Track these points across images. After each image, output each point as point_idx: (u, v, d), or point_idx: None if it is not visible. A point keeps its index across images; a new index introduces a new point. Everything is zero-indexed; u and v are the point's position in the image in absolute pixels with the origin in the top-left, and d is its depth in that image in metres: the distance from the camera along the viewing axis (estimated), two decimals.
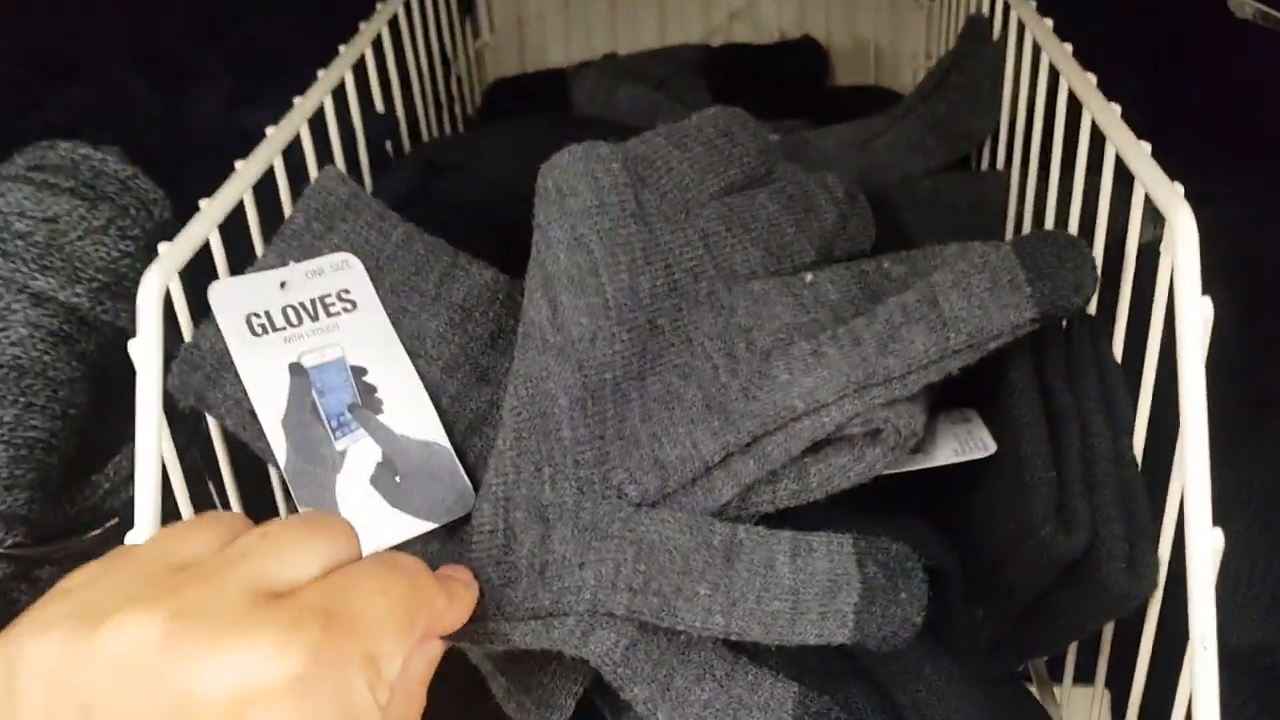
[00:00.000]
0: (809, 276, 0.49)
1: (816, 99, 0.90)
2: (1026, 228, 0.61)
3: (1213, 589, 0.37)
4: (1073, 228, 0.52)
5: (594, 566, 0.40)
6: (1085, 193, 0.52)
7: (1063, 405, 0.44)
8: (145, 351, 0.40)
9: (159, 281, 0.40)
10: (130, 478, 0.51)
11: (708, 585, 0.39)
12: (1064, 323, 0.47)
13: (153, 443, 0.40)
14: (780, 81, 0.89)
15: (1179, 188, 0.39)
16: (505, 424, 0.42)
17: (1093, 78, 0.49)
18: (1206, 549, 0.37)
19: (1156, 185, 0.40)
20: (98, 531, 0.49)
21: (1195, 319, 0.37)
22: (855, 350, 0.44)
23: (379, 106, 0.68)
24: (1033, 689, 0.54)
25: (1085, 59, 0.53)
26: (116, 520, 0.51)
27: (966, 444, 0.48)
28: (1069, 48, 0.53)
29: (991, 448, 0.46)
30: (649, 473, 0.43)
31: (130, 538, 0.39)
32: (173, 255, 0.42)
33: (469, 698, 0.43)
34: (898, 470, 0.47)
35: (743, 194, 0.51)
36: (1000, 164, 0.69)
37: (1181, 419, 0.38)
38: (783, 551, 0.40)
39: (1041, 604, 0.44)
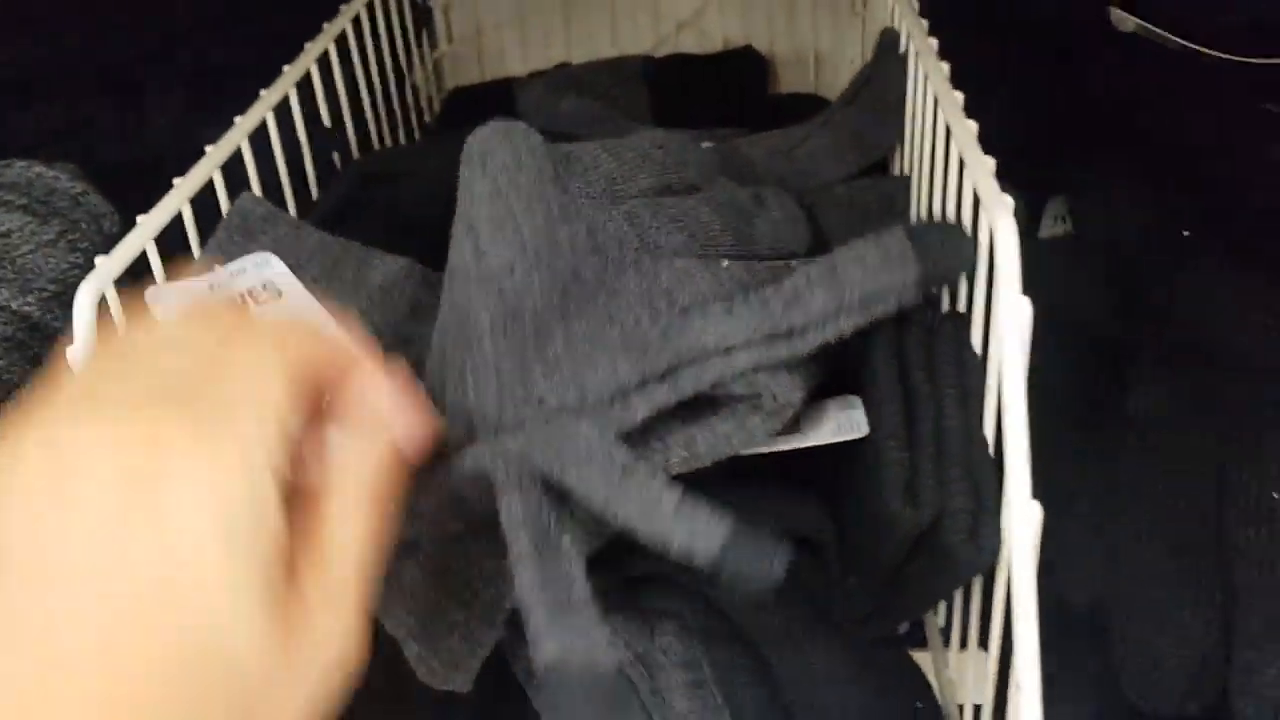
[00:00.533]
0: (726, 263, 0.53)
1: (755, 107, 0.94)
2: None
3: (1030, 554, 0.41)
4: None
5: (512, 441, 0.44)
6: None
7: (920, 392, 0.49)
8: (80, 358, 0.44)
9: (93, 291, 0.45)
10: None
11: (602, 481, 0.42)
12: (929, 322, 0.51)
13: None
14: (721, 91, 0.93)
15: (1009, 200, 0.43)
16: (432, 346, 0.47)
17: (960, 96, 0.53)
18: (1026, 519, 0.41)
19: (987, 195, 0.44)
20: None
21: (1012, 317, 0.41)
22: (763, 309, 0.48)
23: (326, 121, 0.72)
24: (929, 653, 0.58)
25: (975, 71, 0.57)
26: None
27: (844, 426, 0.52)
28: (946, 67, 0.57)
29: (865, 430, 0.51)
30: (568, 389, 0.47)
31: None
32: (107, 266, 0.46)
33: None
34: (779, 447, 0.51)
35: (673, 195, 0.55)
36: (909, 169, 0.73)
37: (1004, 403, 0.42)
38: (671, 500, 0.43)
39: (901, 573, 0.49)
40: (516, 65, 1.04)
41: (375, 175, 0.63)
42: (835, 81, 1.00)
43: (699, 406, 0.51)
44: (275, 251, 0.49)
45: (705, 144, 0.82)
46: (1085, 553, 0.51)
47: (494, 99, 0.96)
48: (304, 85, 0.68)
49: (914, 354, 0.50)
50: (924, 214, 0.64)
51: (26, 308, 0.53)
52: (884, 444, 0.47)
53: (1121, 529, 0.52)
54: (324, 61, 0.72)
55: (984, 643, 0.48)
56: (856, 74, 0.81)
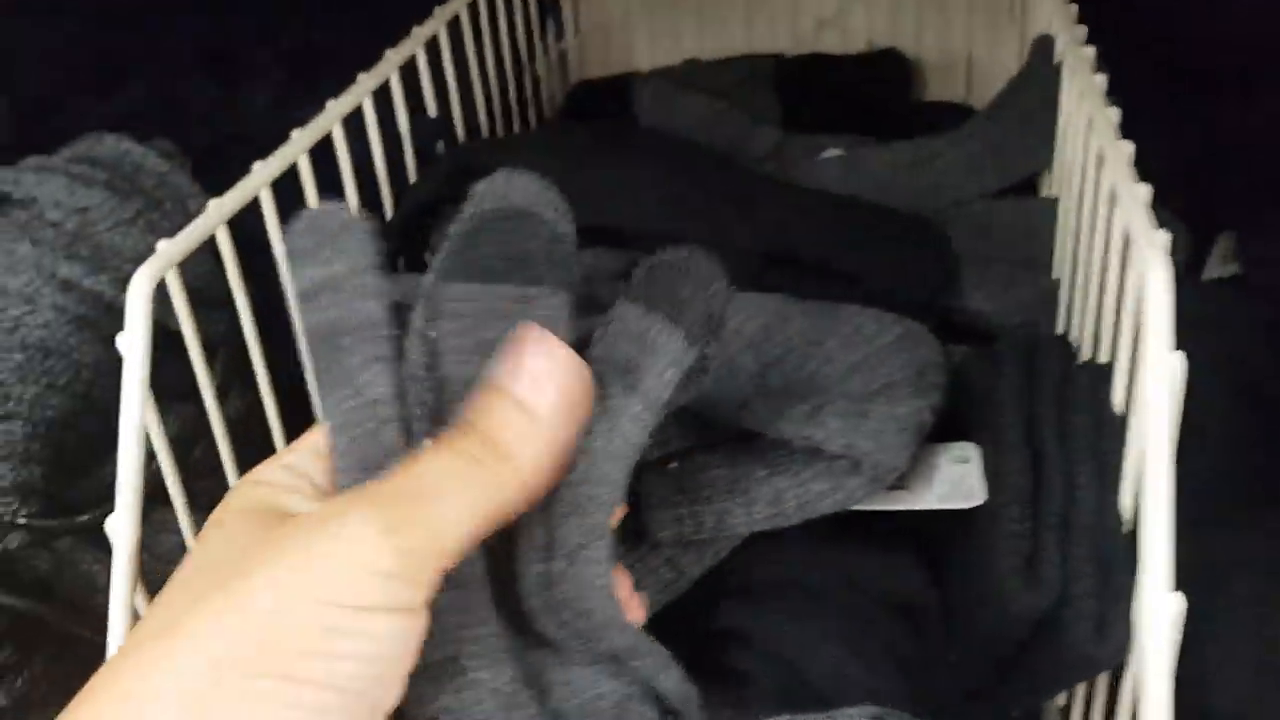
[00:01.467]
0: None
1: (896, 115, 0.88)
2: (1080, 259, 0.58)
3: (1166, 653, 0.35)
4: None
5: None
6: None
7: (1048, 455, 0.43)
8: (132, 345, 0.42)
9: (150, 276, 0.42)
10: (152, 457, 0.54)
11: None
12: (1064, 373, 0.45)
13: (136, 432, 0.42)
14: (860, 96, 0.87)
15: (1163, 238, 0.37)
16: None
17: (1115, 113, 0.47)
18: (1162, 614, 0.35)
19: (1140, 233, 0.38)
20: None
21: (1162, 375, 0.35)
22: None
23: (432, 109, 0.69)
24: None
25: (1137, 86, 0.51)
26: None
27: (957, 489, 0.46)
28: (1103, 79, 0.50)
29: (978, 499, 0.45)
30: None
31: (110, 523, 0.41)
32: (169, 250, 0.43)
33: None
34: (879, 508, 0.46)
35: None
36: (1058, 190, 0.66)
37: (1145, 476, 0.36)
38: None
39: (1013, 657, 0.43)
40: (645, 61, 1.00)
41: (470, 168, 0.59)
42: (988, 91, 0.92)
43: (792, 458, 0.46)
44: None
45: (831, 151, 0.76)
46: (1236, 652, 0.43)
47: (616, 95, 0.93)
48: (409, 72, 0.65)
49: (1045, 410, 0.44)
50: (1069, 246, 0.57)
51: (99, 286, 0.51)
52: (1003, 513, 0.41)
53: None
54: (433, 47, 0.68)
55: None
56: (1007, 84, 0.74)
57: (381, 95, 0.61)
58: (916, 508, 0.46)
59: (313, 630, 0.27)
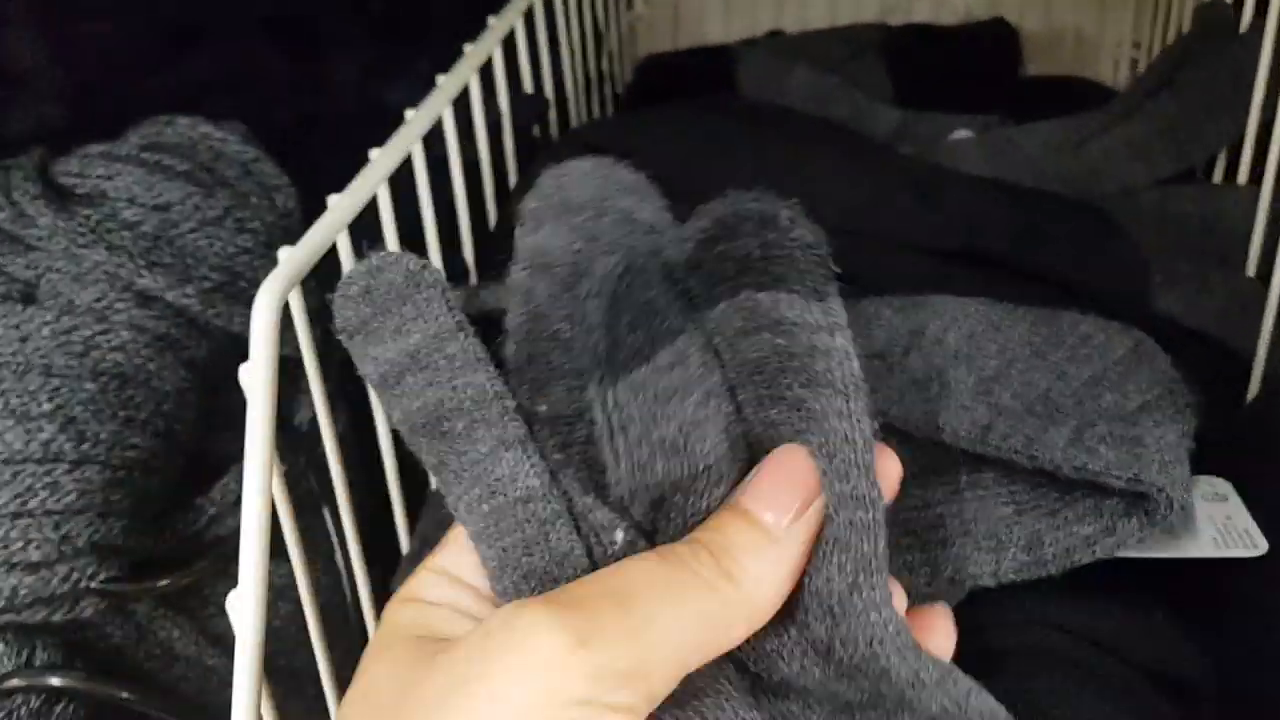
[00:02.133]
0: None
1: (1009, 89, 0.80)
2: (1278, 258, 0.51)
3: None
4: None
5: None
6: None
7: None
8: (257, 377, 0.33)
9: (276, 294, 0.34)
10: (238, 502, 0.46)
11: None
12: None
13: (261, 487, 0.33)
14: (968, 69, 0.80)
15: None
16: None
17: None
18: None
19: None
20: (200, 566, 0.44)
21: None
22: None
23: (527, 85, 0.61)
24: None
25: None
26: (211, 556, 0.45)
27: (1228, 534, 0.39)
28: None
29: (1262, 547, 0.38)
30: None
31: (231, 600, 0.33)
32: (293, 262, 0.35)
33: None
34: (1143, 555, 0.39)
35: None
36: (1241, 177, 0.59)
37: None
38: None
39: None
40: (717, 33, 0.92)
41: (594, 150, 0.51)
42: (1096, 67, 0.86)
43: (1044, 495, 0.38)
44: None
45: (961, 132, 0.69)
46: None
47: (694, 68, 0.85)
48: (506, 44, 0.57)
49: None
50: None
51: (185, 300, 0.42)
52: None
53: None
54: (527, 18, 0.60)
55: None
56: (1160, 56, 0.67)
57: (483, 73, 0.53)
58: (1192, 556, 0.38)
59: None
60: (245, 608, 0.33)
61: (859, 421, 0.26)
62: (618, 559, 0.25)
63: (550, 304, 0.30)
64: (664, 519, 0.27)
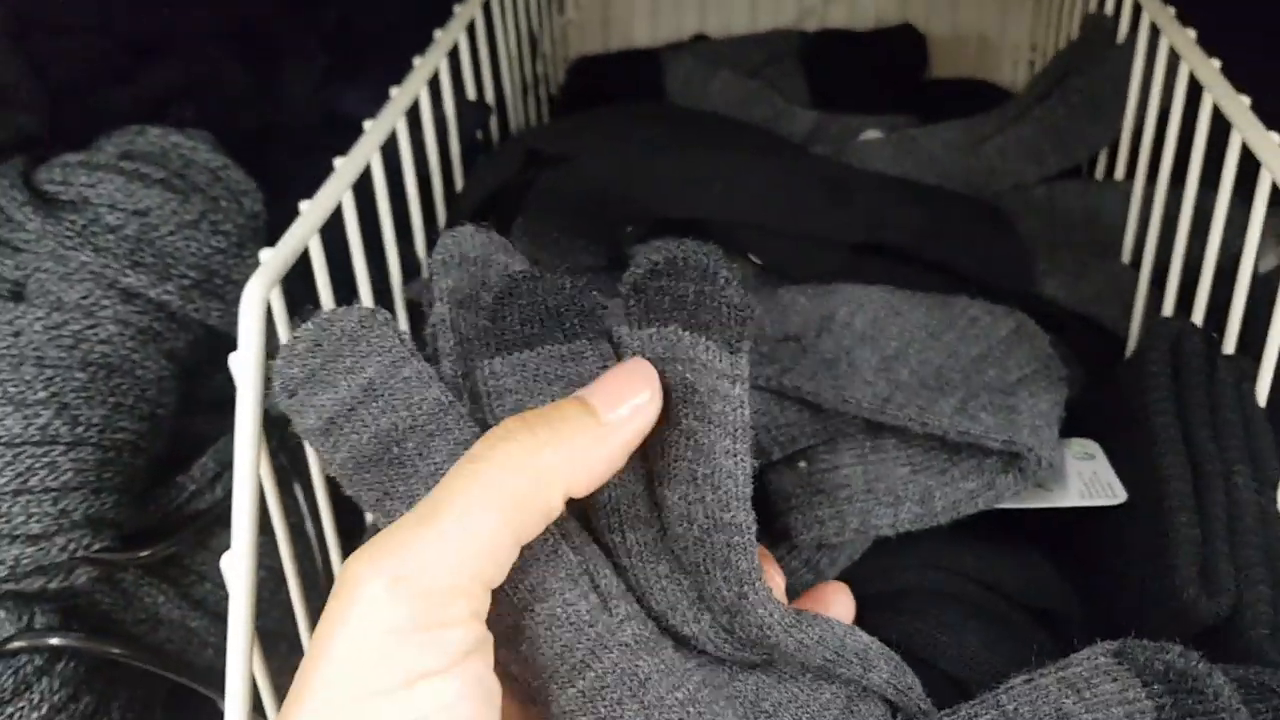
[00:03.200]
0: None
1: (916, 92, 0.86)
2: (1149, 244, 0.57)
3: None
4: (1211, 251, 0.49)
5: None
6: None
7: (1206, 456, 0.41)
8: (246, 365, 0.38)
9: (261, 290, 0.38)
10: (215, 479, 0.50)
11: None
12: (1209, 365, 0.44)
13: (251, 462, 0.38)
14: (879, 71, 0.85)
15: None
16: None
17: (1246, 99, 0.46)
18: None
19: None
20: (178, 540, 0.48)
21: None
22: None
23: (470, 93, 0.65)
24: None
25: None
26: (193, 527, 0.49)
27: (1093, 487, 0.45)
28: (1216, 63, 0.49)
29: (1121, 496, 0.44)
30: None
31: (226, 561, 0.38)
32: (274, 263, 0.40)
33: None
34: (1024, 506, 0.45)
35: None
36: (1119, 174, 0.65)
37: None
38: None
39: None
40: (644, 36, 0.97)
41: (539, 155, 0.56)
42: (997, 69, 0.92)
43: (934, 455, 0.44)
44: None
45: (871, 133, 0.74)
46: None
47: (623, 71, 0.90)
48: (451, 55, 0.61)
49: (1197, 411, 0.42)
50: (1153, 230, 0.56)
51: (165, 296, 0.46)
52: (1175, 520, 0.40)
53: None
54: (470, 30, 0.65)
55: None
56: (1050, 63, 0.73)
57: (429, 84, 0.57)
58: (1061, 505, 0.44)
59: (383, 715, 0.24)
60: (239, 566, 0.38)
61: (741, 460, 0.29)
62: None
63: (470, 330, 0.34)
64: None
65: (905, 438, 0.44)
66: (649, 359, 0.30)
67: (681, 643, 0.31)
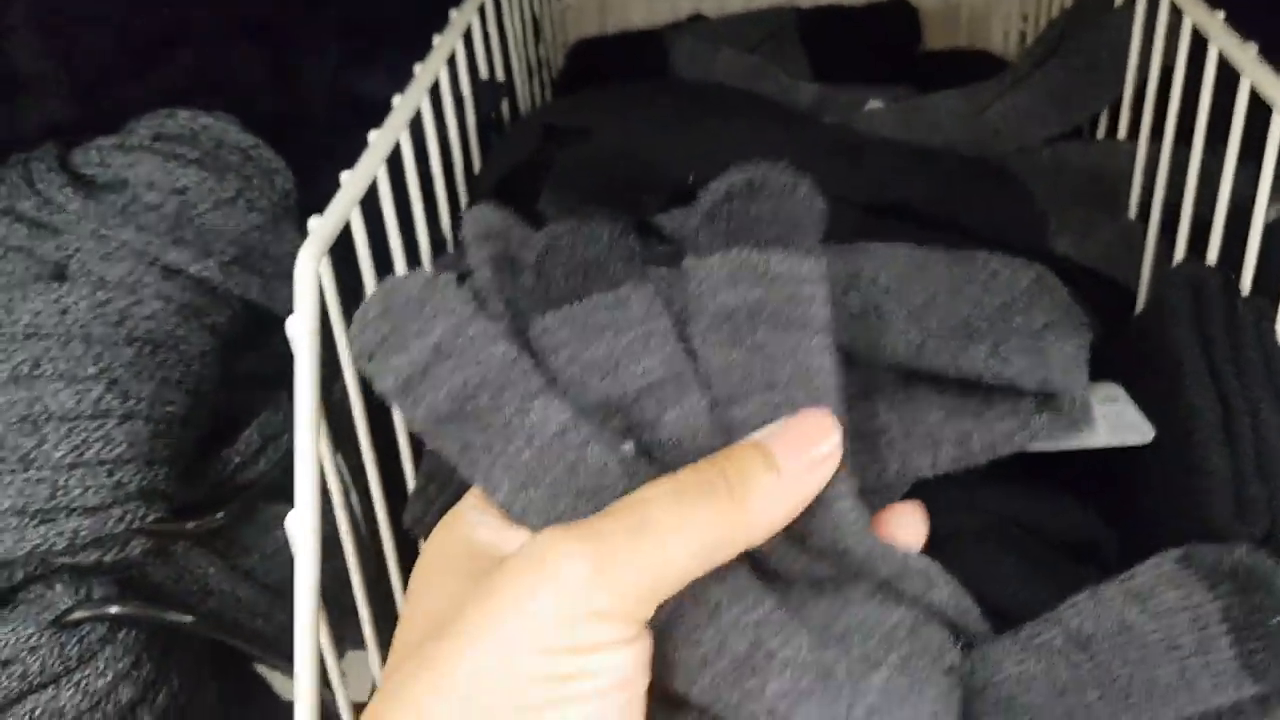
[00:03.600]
0: None
1: (913, 64, 0.87)
2: (1156, 199, 0.59)
3: None
4: (1223, 197, 0.50)
5: None
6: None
7: (1232, 391, 0.43)
8: (302, 330, 0.39)
9: (314, 258, 0.39)
10: (259, 452, 0.51)
11: None
12: (1229, 305, 0.45)
13: (311, 423, 0.39)
14: (875, 45, 0.87)
15: None
16: None
17: (1253, 45, 0.47)
18: None
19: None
20: (226, 512, 0.48)
21: None
22: None
23: (483, 74, 0.66)
24: None
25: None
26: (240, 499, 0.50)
27: (1119, 427, 0.47)
28: (1220, 13, 0.51)
29: (1149, 435, 0.45)
30: None
31: (290, 520, 0.39)
32: (323, 231, 0.40)
33: None
34: (1051, 447, 0.46)
35: None
36: (1121, 134, 0.67)
37: None
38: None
39: None
40: (641, 18, 0.97)
41: (559, 130, 0.57)
42: (987, 38, 0.93)
43: (969, 399, 0.45)
44: None
45: (874, 103, 0.76)
46: None
47: (625, 52, 0.91)
48: (466, 35, 0.62)
49: (1220, 349, 0.44)
50: (1157, 189, 0.58)
51: (206, 272, 0.47)
52: (1206, 453, 0.41)
53: None
54: (481, 11, 0.66)
55: None
56: (1047, 28, 0.75)
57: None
58: (1091, 446, 0.45)
59: (537, 681, 0.27)
60: (305, 524, 0.39)
61: (828, 354, 0.31)
62: (632, 472, 0.30)
63: (512, 292, 0.35)
64: (640, 440, 0.33)
65: (939, 385, 0.45)
66: (715, 285, 0.31)
67: (753, 566, 0.32)
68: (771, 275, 0.31)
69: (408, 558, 0.51)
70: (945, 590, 0.33)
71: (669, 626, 0.29)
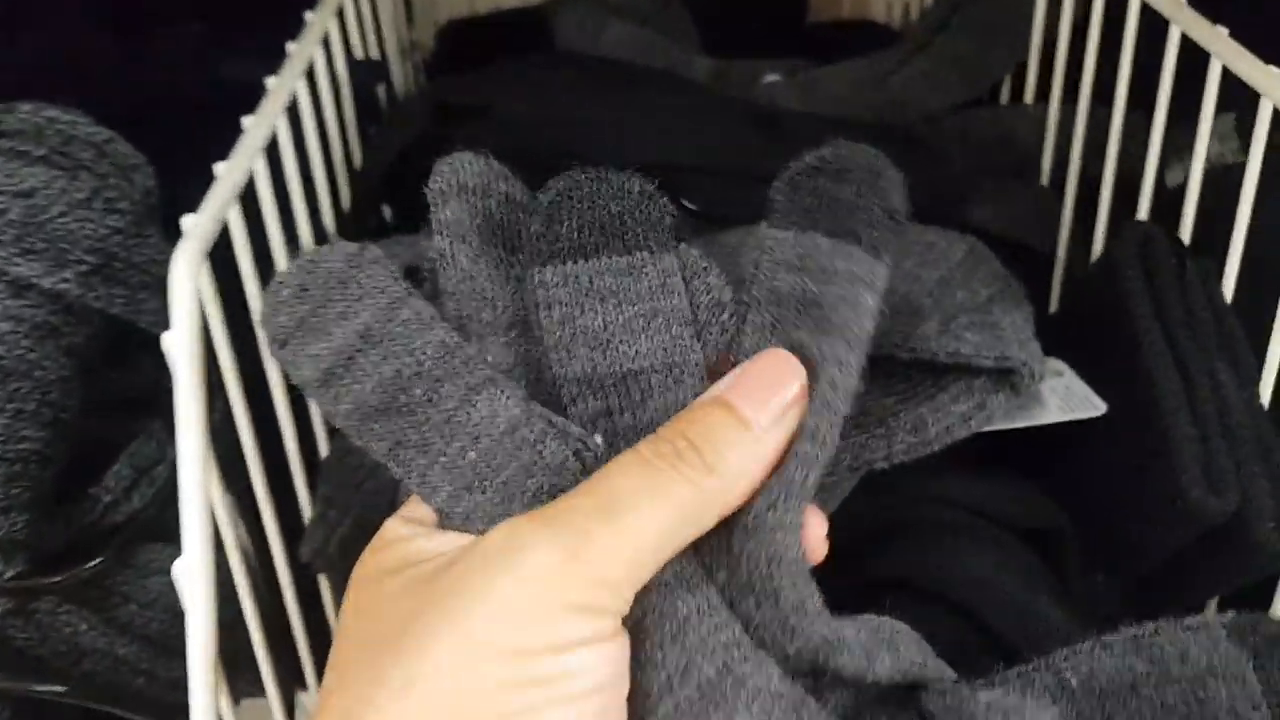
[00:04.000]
0: None
1: (801, 36, 0.85)
2: (1072, 164, 0.57)
3: None
4: (1150, 162, 0.48)
5: None
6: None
7: (1189, 354, 0.41)
8: (181, 345, 0.33)
9: (191, 259, 0.34)
10: (131, 488, 0.45)
11: None
12: (1179, 265, 0.44)
13: (196, 453, 0.33)
14: (762, 18, 0.84)
15: (1275, 70, 0.36)
16: None
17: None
18: None
19: (1239, 61, 0.36)
20: (100, 560, 0.43)
21: None
22: None
23: (358, 54, 0.61)
24: None
25: None
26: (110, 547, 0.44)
27: (1070, 401, 0.44)
28: None
29: (1101, 408, 0.43)
30: None
31: (179, 568, 0.33)
32: (200, 231, 0.35)
33: None
34: (1003, 426, 0.44)
35: None
36: (1028, 98, 0.65)
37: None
38: None
39: (1175, 564, 0.41)
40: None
41: (454, 109, 0.52)
42: (870, 7, 0.92)
43: (920, 382, 0.42)
44: None
45: (770, 76, 0.73)
46: None
47: (500, 30, 0.86)
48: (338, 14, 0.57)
49: (1173, 311, 0.42)
50: (1073, 153, 0.56)
51: (62, 285, 0.41)
52: (1172, 421, 0.39)
53: None
54: None
55: None
56: None
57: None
58: (1043, 422, 0.43)
59: (508, 687, 0.24)
60: (194, 573, 0.33)
61: (849, 372, 0.29)
62: (603, 461, 0.27)
63: (473, 266, 0.31)
64: (614, 430, 0.29)
65: (887, 368, 0.42)
66: (777, 264, 0.30)
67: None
68: (834, 271, 0.29)
69: (306, 593, 0.47)
70: (888, 661, 0.29)
71: (633, 637, 0.26)
